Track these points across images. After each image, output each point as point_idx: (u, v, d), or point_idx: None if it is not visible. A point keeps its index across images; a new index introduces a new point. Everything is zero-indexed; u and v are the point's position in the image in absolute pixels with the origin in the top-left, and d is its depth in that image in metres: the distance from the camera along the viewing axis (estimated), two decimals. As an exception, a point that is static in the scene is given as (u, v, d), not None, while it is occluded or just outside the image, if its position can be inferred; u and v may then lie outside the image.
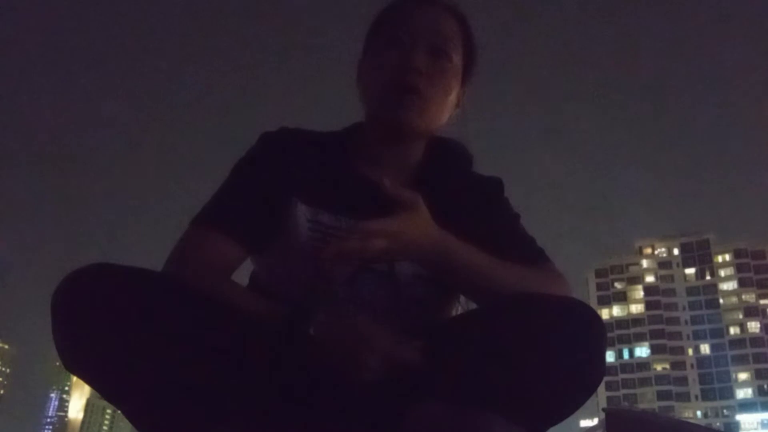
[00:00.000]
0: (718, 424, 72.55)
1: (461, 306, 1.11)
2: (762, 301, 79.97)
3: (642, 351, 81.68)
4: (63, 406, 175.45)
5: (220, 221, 1.04)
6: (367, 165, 1.11)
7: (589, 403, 0.90)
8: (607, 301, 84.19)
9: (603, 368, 0.89)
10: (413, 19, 1.09)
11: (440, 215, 1.01)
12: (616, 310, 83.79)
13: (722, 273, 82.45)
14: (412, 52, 1.06)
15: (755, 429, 75.19)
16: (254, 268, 1.14)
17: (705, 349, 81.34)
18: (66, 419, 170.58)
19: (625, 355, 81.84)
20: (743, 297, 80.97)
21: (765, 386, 76.93)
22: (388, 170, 1.08)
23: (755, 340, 78.60)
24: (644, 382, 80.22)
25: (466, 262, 0.96)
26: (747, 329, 79.30)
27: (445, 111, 1.10)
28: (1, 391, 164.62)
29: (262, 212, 1.05)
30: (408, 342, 0.89)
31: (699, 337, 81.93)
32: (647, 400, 76.37)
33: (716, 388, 79.12)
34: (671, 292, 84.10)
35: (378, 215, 0.97)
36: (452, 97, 1.11)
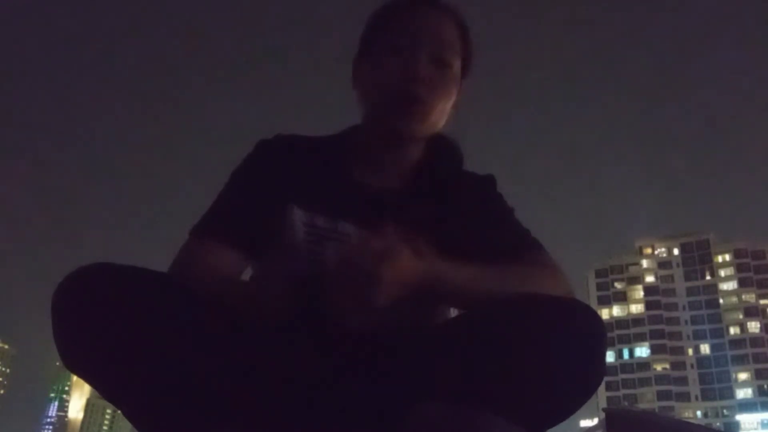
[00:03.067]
0: (718, 424, 72.49)
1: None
2: (762, 301, 79.89)
3: (642, 351, 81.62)
4: (63, 406, 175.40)
5: (219, 230, 1.05)
6: (363, 168, 1.12)
7: (589, 403, 0.90)
8: (607, 301, 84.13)
9: (603, 368, 0.89)
10: (415, 24, 1.09)
11: (437, 215, 1.08)
12: (616, 310, 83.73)
13: (722, 273, 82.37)
14: (416, 60, 1.06)
15: (755, 429, 75.12)
16: (253, 273, 1.14)
17: (705, 349, 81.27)
18: (66, 419, 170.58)
19: (625, 355, 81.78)
20: (743, 297, 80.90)
21: (765, 386, 76.85)
22: (385, 173, 1.12)
23: (755, 340, 78.53)
24: (644, 382, 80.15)
25: (458, 285, 0.94)
26: (747, 329, 79.22)
27: (444, 116, 1.11)
28: (1, 391, 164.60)
29: (259, 219, 1.07)
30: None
31: (699, 337, 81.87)
32: (647, 400, 76.33)
33: (716, 388, 79.05)
34: (671, 292, 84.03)
35: (373, 218, 1.02)
36: (451, 103, 1.12)
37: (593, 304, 71.66)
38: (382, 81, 1.07)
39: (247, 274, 1.13)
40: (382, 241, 0.88)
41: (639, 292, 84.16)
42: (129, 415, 0.91)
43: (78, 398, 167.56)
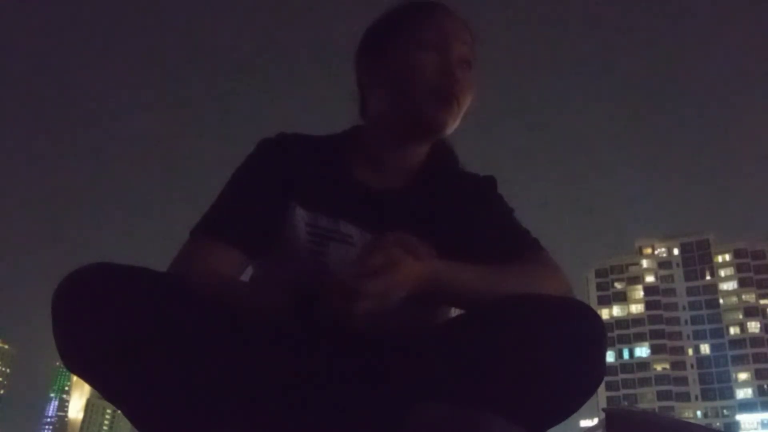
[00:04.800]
0: (718, 424, 72.46)
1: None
2: (762, 301, 79.91)
3: (642, 351, 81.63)
4: (63, 406, 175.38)
5: (220, 230, 1.05)
6: (366, 168, 1.13)
7: (589, 403, 0.90)
8: (607, 301, 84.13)
9: (603, 369, 0.89)
10: (445, 26, 1.10)
11: (438, 215, 1.10)
12: (616, 310, 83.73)
13: (722, 273, 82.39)
14: (451, 60, 1.08)
15: (755, 429, 75.16)
16: (253, 272, 1.14)
17: (705, 349, 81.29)
18: (66, 419, 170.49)
19: (625, 355, 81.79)
20: (743, 297, 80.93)
21: (765, 386, 76.87)
22: (387, 173, 1.13)
23: (755, 340, 78.53)
24: (644, 382, 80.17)
25: (460, 286, 0.94)
26: (747, 329, 79.24)
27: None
28: (1, 391, 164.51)
29: (261, 218, 1.06)
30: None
31: (699, 337, 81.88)
32: (647, 400, 76.33)
33: (716, 388, 79.07)
34: (671, 292, 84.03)
35: (375, 218, 1.06)
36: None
37: (593, 304, 71.70)
38: (419, 75, 1.07)
39: (248, 274, 1.12)
40: (383, 254, 0.87)
41: (639, 292, 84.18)
42: (129, 415, 0.91)
43: (78, 398, 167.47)
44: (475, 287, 0.95)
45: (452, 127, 1.10)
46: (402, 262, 0.87)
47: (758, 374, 77.34)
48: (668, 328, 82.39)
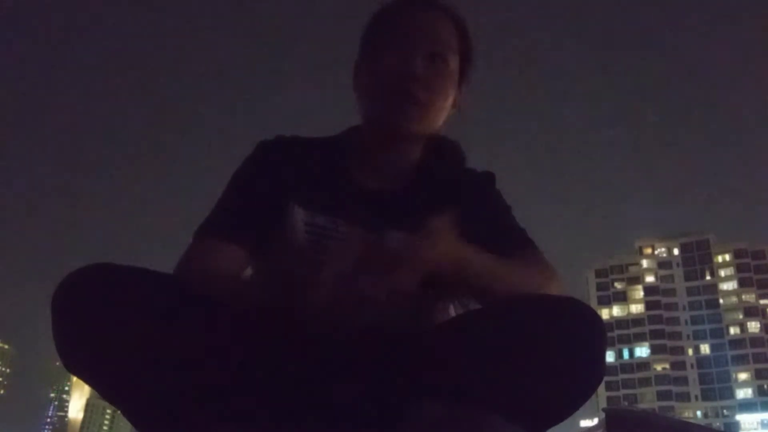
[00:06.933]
0: (718, 424, 72.46)
1: (458, 306, 1.10)
2: (762, 301, 79.96)
3: (642, 351, 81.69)
4: (63, 406, 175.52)
5: (222, 230, 1.07)
6: (363, 168, 1.14)
7: (589, 403, 0.90)
8: (607, 301, 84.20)
9: (603, 368, 0.89)
10: (411, 22, 1.10)
11: (435, 214, 1.06)
12: (616, 310, 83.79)
13: (722, 273, 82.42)
14: (411, 58, 1.07)
15: (755, 429, 75.15)
16: (252, 271, 1.15)
17: (705, 349, 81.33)
18: (66, 419, 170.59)
19: (625, 355, 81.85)
20: (743, 297, 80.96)
21: (765, 386, 76.92)
22: (384, 173, 1.14)
23: (755, 340, 78.59)
24: (644, 382, 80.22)
25: (478, 270, 0.95)
26: (747, 329, 79.30)
27: (442, 115, 1.12)
28: (1, 391, 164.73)
29: (261, 218, 1.08)
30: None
31: (699, 337, 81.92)
32: (647, 400, 76.35)
33: (716, 388, 79.10)
34: (671, 292, 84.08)
35: (372, 217, 1.06)
36: (449, 101, 1.12)
37: (593, 304, 71.68)
38: (379, 79, 1.08)
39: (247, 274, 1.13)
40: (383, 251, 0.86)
41: (639, 292, 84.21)
42: (129, 415, 0.91)
43: (78, 398, 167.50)
44: (490, 276, 0.95)
45: (420, 128, 1.09)
46: (440, 232, 0.88)
47: (758, 374, 77.40)
48: (668, 328, 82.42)
